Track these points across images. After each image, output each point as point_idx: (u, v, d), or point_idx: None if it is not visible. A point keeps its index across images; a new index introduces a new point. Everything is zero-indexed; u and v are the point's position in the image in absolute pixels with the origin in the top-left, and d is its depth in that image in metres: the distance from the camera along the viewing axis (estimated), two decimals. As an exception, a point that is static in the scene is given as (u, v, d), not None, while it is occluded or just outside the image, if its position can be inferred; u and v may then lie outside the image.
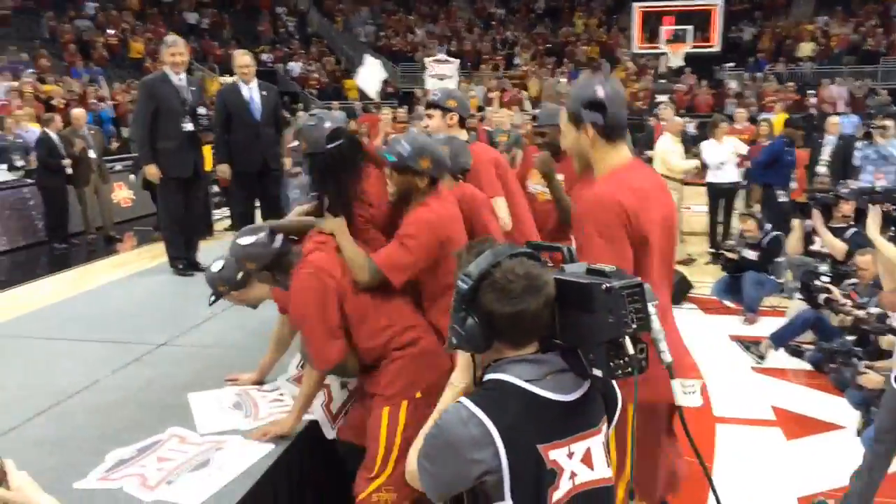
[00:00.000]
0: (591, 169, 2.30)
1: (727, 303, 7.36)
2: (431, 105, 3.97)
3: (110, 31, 20.66)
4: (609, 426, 1.73)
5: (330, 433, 3.14)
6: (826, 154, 9.20)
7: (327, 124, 2.91)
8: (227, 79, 13.85)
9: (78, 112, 10.89)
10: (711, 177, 9.25)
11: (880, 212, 3.22)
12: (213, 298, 3.23)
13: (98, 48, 19.73)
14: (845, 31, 23.16)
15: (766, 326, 6.47)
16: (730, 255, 7.32)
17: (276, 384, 3.57)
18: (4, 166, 10.86)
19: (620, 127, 2.24)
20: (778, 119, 13.42)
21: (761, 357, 5.95)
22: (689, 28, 21.19)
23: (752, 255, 7.01)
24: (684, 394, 1.90)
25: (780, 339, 5.89)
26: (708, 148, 9.19)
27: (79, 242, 10.34)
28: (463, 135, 3.93)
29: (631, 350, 1.57)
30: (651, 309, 1.61)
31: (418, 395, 2.79)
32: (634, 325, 1.57)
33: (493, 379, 1.59)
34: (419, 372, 2.81)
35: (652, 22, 22.28)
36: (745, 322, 6.95)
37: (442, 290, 2.85)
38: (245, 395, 3.44)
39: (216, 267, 3.13)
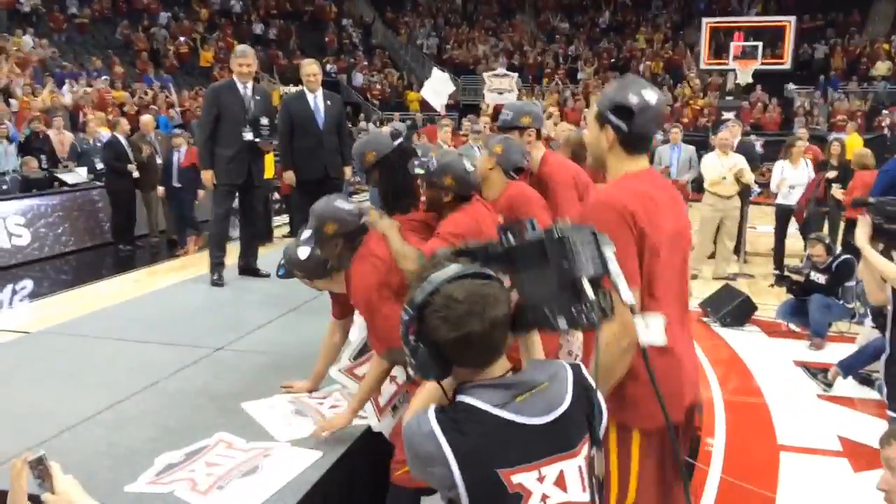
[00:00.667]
0: (604, 170, 2.24)
1: (793, 326, 7.10)
2: (506, 128, 3.87)
3: (181, 40, 21.30)
4: (592, 446, 1.65)
5: (375, 424, 3.10)
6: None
7: (387, 129, 3.10)
8: (291, 89, 14.11)
9: (146, 118, 11.22)
10: (781, 198, 8.97)
11: (870, 221, 3.16)
12: (281, 272, 3.28)
13: (169, 56, 20.36)
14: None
15: (834, 353, 6.21)
16: (795, 276, 7.07)
17: (329, 390, 3.56)
18: (84, 168, 11.24)
19: (643, 139, 2.17)
20: (850, 139, 12.97)
21: (829, 385, 5.70)
22: (759, 44, 20.74)
23: (820, 278, 6.75)
24: (646, 328, 1.84)
25: (850, 367, 5.63)
26: (781, 169, 8.93)
27: (143, 245, 10.62)
28: (541, 149, 3.88)
29: (591, 295, 1.57)
30: (608, 253, 1.63)
31: None
32: (591, 270, 1.59)
33: (461, 402, 1.56)
34: None
35: (721, 38, 21.88)
36: (812, 347, 6.67)
37: None
38: (300, 403, 3.43)
39: (302, 254, 3.12)
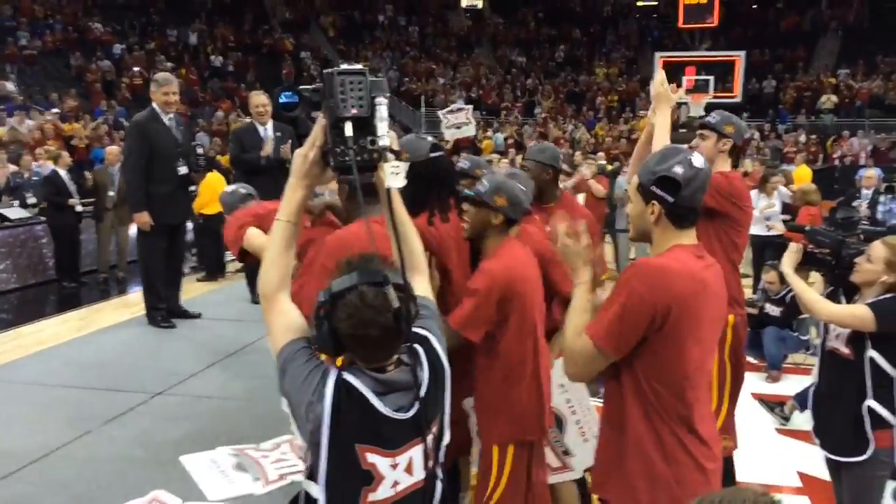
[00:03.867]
0: (646, 239, 2.12)
1: (750, 359, 7.10)
2: (706, 126, 3.47)
3: (135, 70, 20.98)
4: (438, 428, 1.79)
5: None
6: (864, 208, 8.98)
7: (429, 139, 2.90)
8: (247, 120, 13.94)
9: (111, 149, 10.85)
10: (755, 229, 9.04)
11: (801, 249, 3.13)
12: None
13: (122, 89, 20.04)
14: (867, 84, 23.10)
15: (791, 385, 6.20)
16: (750, 309, 7.08)
17: (276, 441, 3.40)
18: (17, 202, 10.88)
19: (693, 212, 2.04)
20: (798, 171, 13.23)
21: (786, 418, 5.67)
22: (711, 78, 21.24)
23: (774, 310, 6.77)
24: (391, 174, 1.81)
25: (806, 399, 5.61)
26: (755, 201, 9.03)
27: (88, 281, 10.27)
28: (728, 164, 3.40)
29: (349, 134, 1.59)
30: (380, 99, 1.63)
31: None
32: (354, 110, 1.60)
33: (346, 380, 1.66)
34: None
35: (673, 72, 22.36)
36: (768, 380, 6.68)
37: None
38: (244, 456, 3.26)
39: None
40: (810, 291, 3.10)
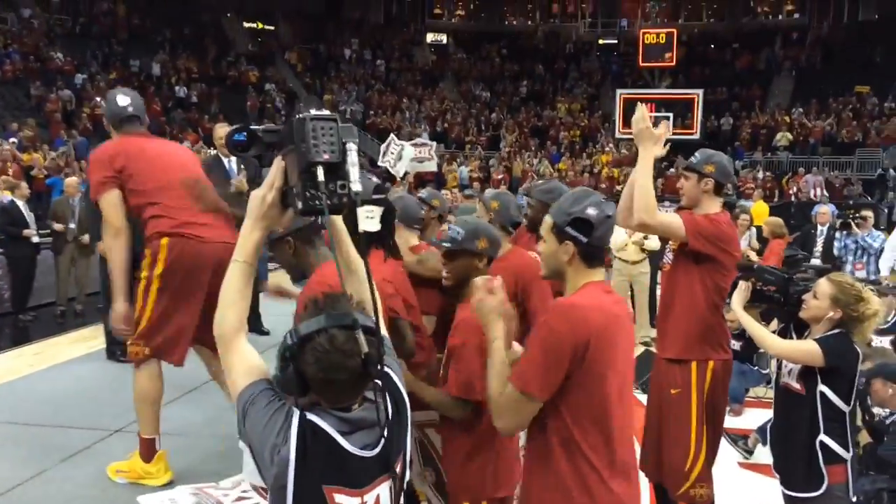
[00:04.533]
0: (559, 278, 2.19)
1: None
2: (687, 167, 3.42)
3: (97, 100, 20.75)
4: (402, 464, 1.79)
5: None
6: (819, 244, 9.17)
7: (374, 179, 2.87)
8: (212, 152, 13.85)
9: (71, 180, 10.66)
10: None
11: (749, 287, 3.16)
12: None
13: (83, 119, 19.80)
14: (820, 122, 23.84)
15: (754, 418, 6.27)
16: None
17: (237, 479, 3.33)
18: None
19: (602, 252, 2.16)
20: (756, 206, 13.55)
21: (749, 452, 5.72)
22: (670, 115, 21.71)
23: (735, 344, 6.86)
24: (367, 219, 1.95)
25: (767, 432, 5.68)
26: None
27: (44, 315, 10.01)
28: (716, 204, 3.32)
29: (322, 178, 1.60)
30: (350, 145, 1.65)
31: None
32: (326, 155, 1.62)
33: (310, 421, 1.64)
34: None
35: (633, 108, 22.80)
36: (731, 413, 6.73)
37: None
38: (204, 495, 3.19)
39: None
40: (760, 328, 3.15)
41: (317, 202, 1.62)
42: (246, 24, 30.38)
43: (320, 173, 1.61)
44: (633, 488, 2.15)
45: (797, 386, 3.07)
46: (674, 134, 21.14)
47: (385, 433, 1.71)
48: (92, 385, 4.99)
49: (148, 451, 3.51)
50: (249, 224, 1.78)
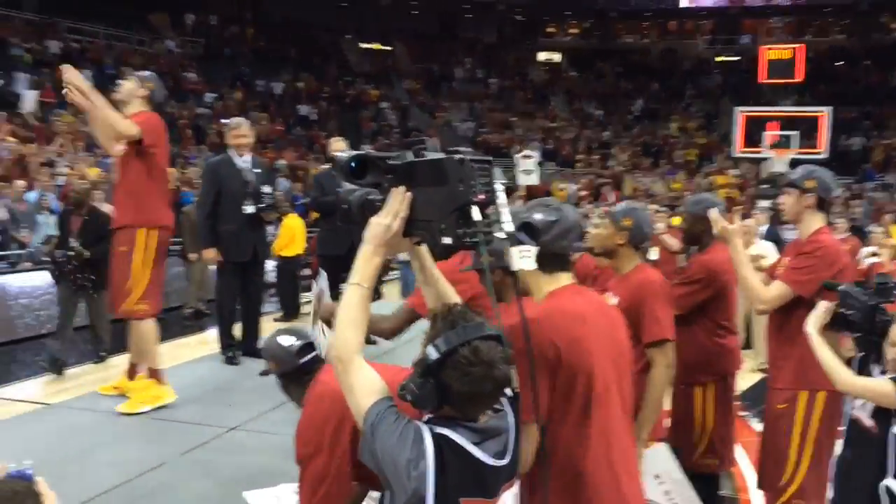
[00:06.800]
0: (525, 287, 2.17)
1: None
2: (789, 184, 3.28)
3: (224, 120, 21.96)
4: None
5: None
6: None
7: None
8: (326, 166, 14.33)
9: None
10: None
11: (830, 309, 2.82)
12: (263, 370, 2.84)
13: (211, 134, 20.97)
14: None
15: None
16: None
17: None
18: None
19: (555, 256, 2.12)
20: (889, 231, 12.71)
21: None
22: (795, 134, 20.73)
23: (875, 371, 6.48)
24: (520, 258, 1.95)
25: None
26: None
27: (166, 318, 10.56)
28: (818, 219, 3.16)
29: (478, 218, 1.69)
30: (498, 185, 1.75)
31: None
32: (482, 195, 1.71)
33: (442, 434, 1.66)
34: None
35: (754, 126, 21.96)
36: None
37: None
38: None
39: (285, 342, 2.73)
40: (832, 358, 2.81)
41: (468, 239, 1.70)
42: (363, 46, 31.37)
43: (475, 213, 1.69)
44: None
45: (869, 423, 2.78)
46: (799, 153, 20.35)
47: (515, 441, 1.76)
48: (209, 385, 5.26)
49: (161, 377, 4.75)
50: (370, 249, 1.82)
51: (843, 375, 2.77)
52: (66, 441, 4.06)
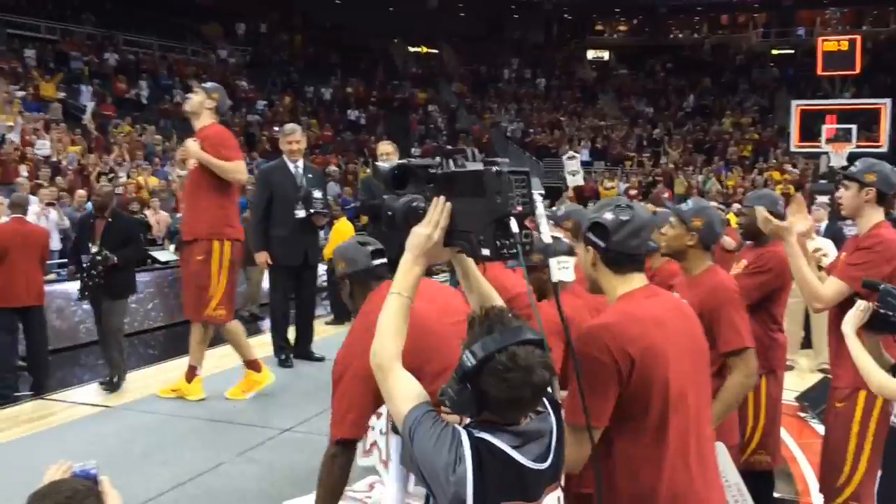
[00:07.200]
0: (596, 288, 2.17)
1: None
2: (846, 176, 3.23)
3: (275, 129, 22.35)
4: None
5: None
6: None
7: (565, 240, 2.90)
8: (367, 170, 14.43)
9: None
10: None
11: (869, 308, 2.66)
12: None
13: (262, 141, 21.35)
14: None
15: None
16: None
17: (369, 480, 3.41)
18: (173, 246, 11.71)
19: (627, 257, 2.08)
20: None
21: None
22: (853, 127, 20.12)
23: None
24: (559, 269, 1.86)
25: None
26: None
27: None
28: (878, 214, 3.09)
29: (515, 229, 1.68)
30: (536, 196, 1.73)
31: None
32: (520, 207, 1.70)
33: (482, 438, 1.66)
34: None
35: (811, 120, 21.38)
36: None
37: None
38: (345, 500, 3.30)
39: (362, 241, 2.79)
40: (868, 360, 2.66)
41: (506, 250, 1.70)
42: (411, 49, 31.56)
43: (514, 225, 1.69)
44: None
45: None
46: (858, 147, 19.74)
47: (556, 444, 1.74)
48: (264, 388, 5.33)
49: (257, 366, 5.11)
50: (411, 259, 1.82)
51: (878, 377, 2.63)
52: (127, 443, 4.17)
